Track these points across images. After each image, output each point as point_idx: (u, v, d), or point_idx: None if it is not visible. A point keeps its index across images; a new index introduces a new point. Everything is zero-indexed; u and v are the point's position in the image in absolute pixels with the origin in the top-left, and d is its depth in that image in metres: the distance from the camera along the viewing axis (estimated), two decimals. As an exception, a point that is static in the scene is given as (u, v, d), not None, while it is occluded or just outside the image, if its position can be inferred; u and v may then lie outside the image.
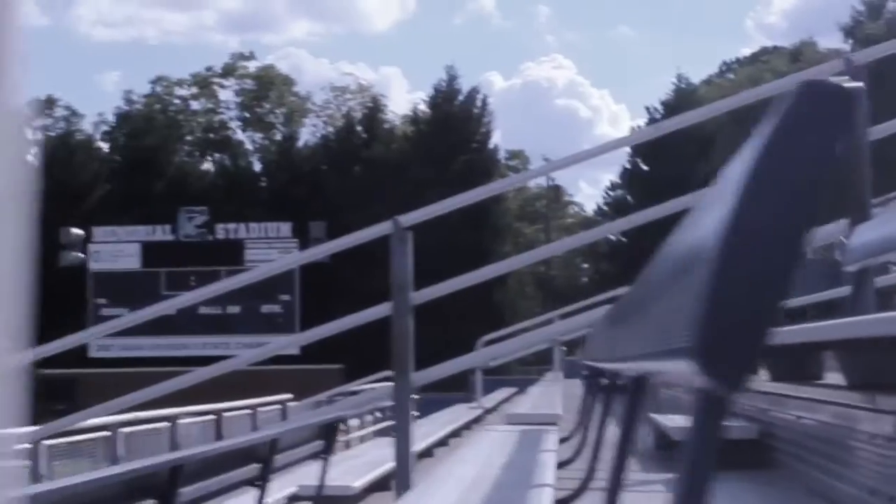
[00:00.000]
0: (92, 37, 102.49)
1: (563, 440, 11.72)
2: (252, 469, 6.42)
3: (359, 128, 67.21)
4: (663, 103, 66.09)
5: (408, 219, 7.78)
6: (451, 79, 65.43)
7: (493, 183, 32.12)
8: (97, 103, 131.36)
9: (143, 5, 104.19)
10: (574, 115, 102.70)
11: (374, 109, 68.33)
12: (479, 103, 65.32)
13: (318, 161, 64.63)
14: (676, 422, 9.26)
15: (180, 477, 5.00)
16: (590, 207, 78.92)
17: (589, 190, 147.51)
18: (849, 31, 62.12)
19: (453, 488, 7.83)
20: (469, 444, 11.94)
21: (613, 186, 72.21)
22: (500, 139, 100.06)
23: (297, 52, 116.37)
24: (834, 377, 7.20)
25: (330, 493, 8.52)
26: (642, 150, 60.91)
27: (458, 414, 21.43)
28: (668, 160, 56.44)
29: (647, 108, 67.85)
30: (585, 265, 73.79)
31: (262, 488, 6.55)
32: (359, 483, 9.70)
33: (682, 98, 62.40)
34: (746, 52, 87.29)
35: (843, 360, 6.78)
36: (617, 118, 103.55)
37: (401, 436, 7.37)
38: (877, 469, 5.60)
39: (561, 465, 9.93)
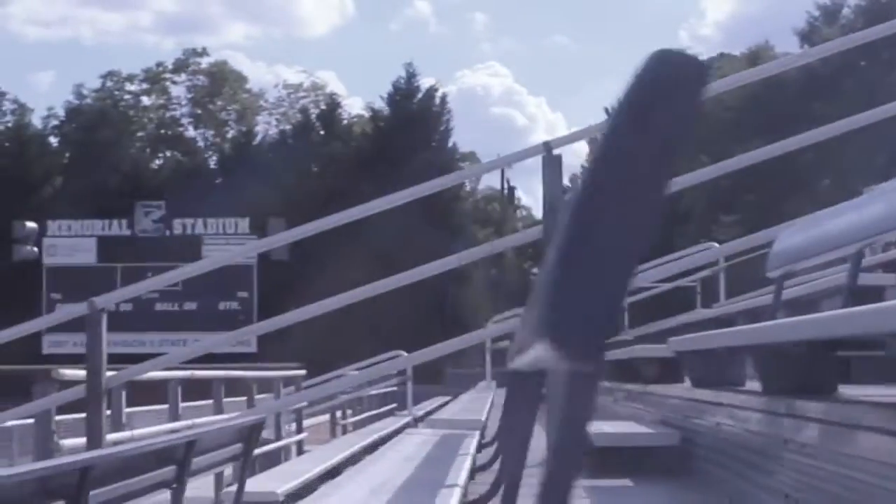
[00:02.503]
0: (25, 36, 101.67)
1: (484, 445, 11.67)
2: (168, 471, 6.18)
3: (317, 124, 67.10)
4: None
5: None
6: (410, 76, 65.43)
7: (455, 173, 32.20)
8: (33, 101, 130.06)
9: (77, 5, 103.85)
10: (511, 122, 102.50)
11: (332, 106, 68.22)
12: (437, 102, 65.39)
13: (275, 158, 64.44)
14: (601, 428, 9.23)
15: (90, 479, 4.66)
16: (537, 212, 79.37)
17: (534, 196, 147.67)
18: (805, 36, 62.49)
19: (363, 487, 7.82)
20: (388, 447, 11.87)
21: (564, 190, 72.86)
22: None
23: (234, 55, 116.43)
24: (754, 384, 7.18)
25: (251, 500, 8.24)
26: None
27: (387, 423, 21.34)
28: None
29: (606, 109, 68.25)
30: (535, 269, 74.18)
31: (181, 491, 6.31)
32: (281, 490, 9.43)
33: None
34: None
35: (762, 366, 6.76)
36: (554, 126, 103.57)
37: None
38: (795, 476, 5.57)
39: (479, 468, 9.89)
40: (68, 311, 9.44)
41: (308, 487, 9.77)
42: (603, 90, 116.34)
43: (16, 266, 49.22)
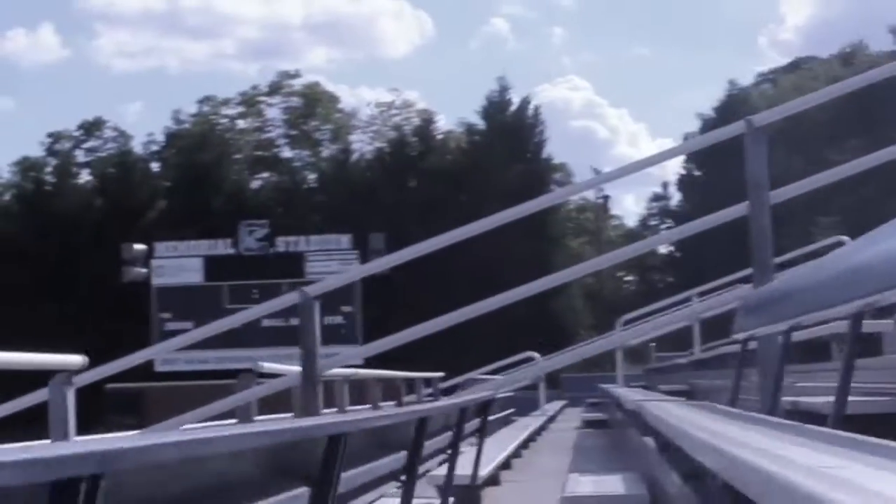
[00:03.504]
0: (113, 67, 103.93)
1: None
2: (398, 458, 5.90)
3: (412, 140, 67.80)
4: (716, 109, 66.60)
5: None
6: (503, 89, 65.94)
7: (557, 191, 32.50)
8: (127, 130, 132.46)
9: (162, 36, 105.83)
10: (592, 135, 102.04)
11: (427, 122, 68.92)
12: (530, 113, 65.82)
13: (373, 174, 65.29)
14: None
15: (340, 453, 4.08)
16: (629, 221, 79.69)
17: (625, 205, 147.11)
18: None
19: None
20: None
21: (657, 197, 73.34)
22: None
23: (317, 78, 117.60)
24: None
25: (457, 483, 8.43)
26: (697, 156, 61.24)
27: (528, 421, 22.64)
28: (724, 166, 56.60)
29: (700, 115, 68.64)
30: (629, 278, 74.46)
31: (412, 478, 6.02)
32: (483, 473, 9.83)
33: (736, 103, 62.61)
34: (761, 68, 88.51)
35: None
36: (636, 138, 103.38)
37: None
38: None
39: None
40: (283, 300, 10.01)
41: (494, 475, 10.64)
42: (686, 98, 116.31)
43: (126, 287, 50.44)
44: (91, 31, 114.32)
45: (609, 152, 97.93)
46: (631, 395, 12.88)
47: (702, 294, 20.67)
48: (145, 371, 38.27)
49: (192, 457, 2.71)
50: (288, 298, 9.80)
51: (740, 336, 7.26)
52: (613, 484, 9.68)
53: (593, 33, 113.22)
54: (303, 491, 3.98)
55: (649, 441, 8.28)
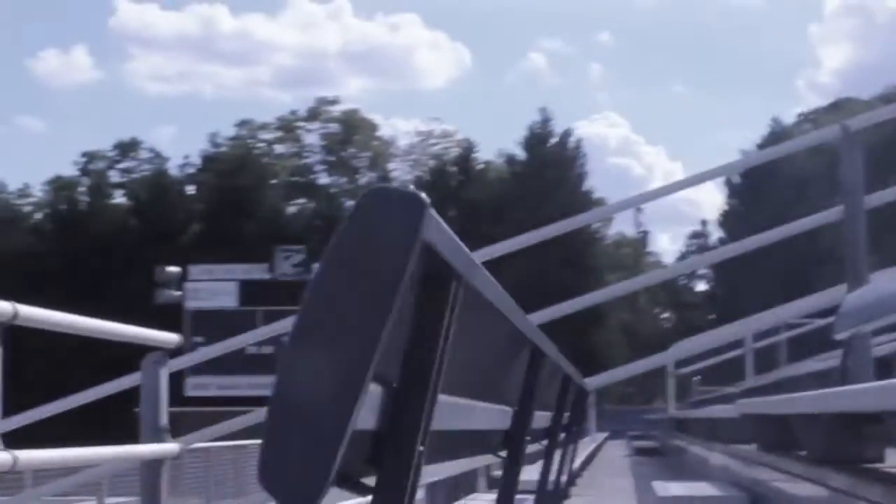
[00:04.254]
0: (146, 90, 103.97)
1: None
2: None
3: (452, 169, 67.49)
4: (759, 146, 66.14)
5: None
6: (545, 121, 65.59)
7: (604, 207, 31.94)
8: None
9: (198, 61, 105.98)
10: (628, 172, 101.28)
11: (468, 150, 68.62)
12: (572, 146, 65.46)
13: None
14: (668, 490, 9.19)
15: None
16: (666, 259, 79.34)
17: (661, 244, 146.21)
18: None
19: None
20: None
21: (696, 235, 73.06)
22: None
23: (352, 108, 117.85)
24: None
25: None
26: (739, 192, 60.87)
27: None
28: (766, 202, 56.08)
29: (742, 152, 68.24)
30: (665, 314, 74.19)
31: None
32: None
33: (778, 140, 62.09)
34: (800, 109, 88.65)
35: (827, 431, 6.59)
36: (671, 175, 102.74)
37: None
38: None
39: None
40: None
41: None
42: (723, 138, 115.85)
43: (159, 309, 50.10)
44: (125, 53, 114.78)
45: (645, 189, 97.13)
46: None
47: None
48: (174, 395, 37.91)
49: None
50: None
51: (842, 336, 6.94)
52: (703, 488, 9.22)
53: (631, 70, 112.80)
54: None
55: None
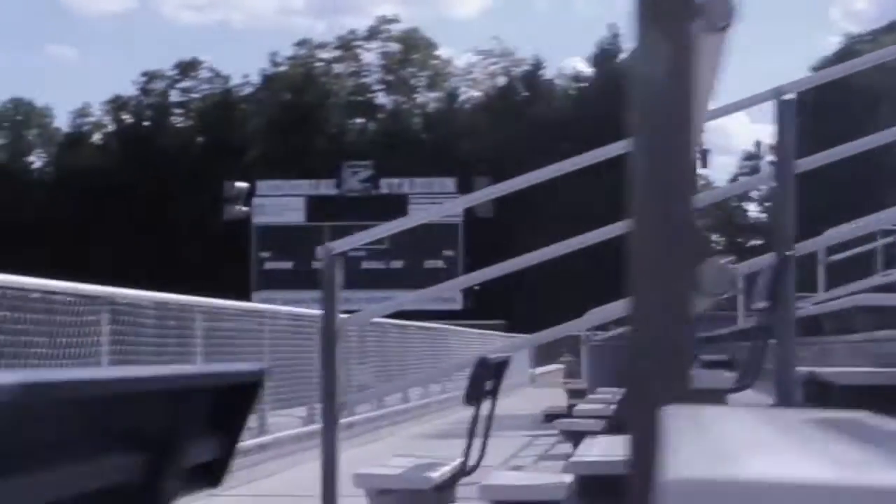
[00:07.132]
0: (178, 19, 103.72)
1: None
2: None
3: (519, 87, 67.16)
4: (815, 68, 65.40)
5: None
6: (614, 37, 65.02)
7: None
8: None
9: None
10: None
11: (536, 67, 68.17)
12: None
13: (479, 119, 64.67)
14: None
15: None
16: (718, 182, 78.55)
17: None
18: None
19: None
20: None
21: (749, 156, 72.77)
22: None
23: (412, 26, 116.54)
24: None
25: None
26: (808, 105, 60.26)
27: None
28: (825, 119, 55.46)
29: (812, 68, 67.39)
30: (715, 237, 73.84)
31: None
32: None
33: (848, 55, 61.22)
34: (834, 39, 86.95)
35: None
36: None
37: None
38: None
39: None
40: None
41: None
42: (756, 65, 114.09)
43: (227, 225, 50.35)
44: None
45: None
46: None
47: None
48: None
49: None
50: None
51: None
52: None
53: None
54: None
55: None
